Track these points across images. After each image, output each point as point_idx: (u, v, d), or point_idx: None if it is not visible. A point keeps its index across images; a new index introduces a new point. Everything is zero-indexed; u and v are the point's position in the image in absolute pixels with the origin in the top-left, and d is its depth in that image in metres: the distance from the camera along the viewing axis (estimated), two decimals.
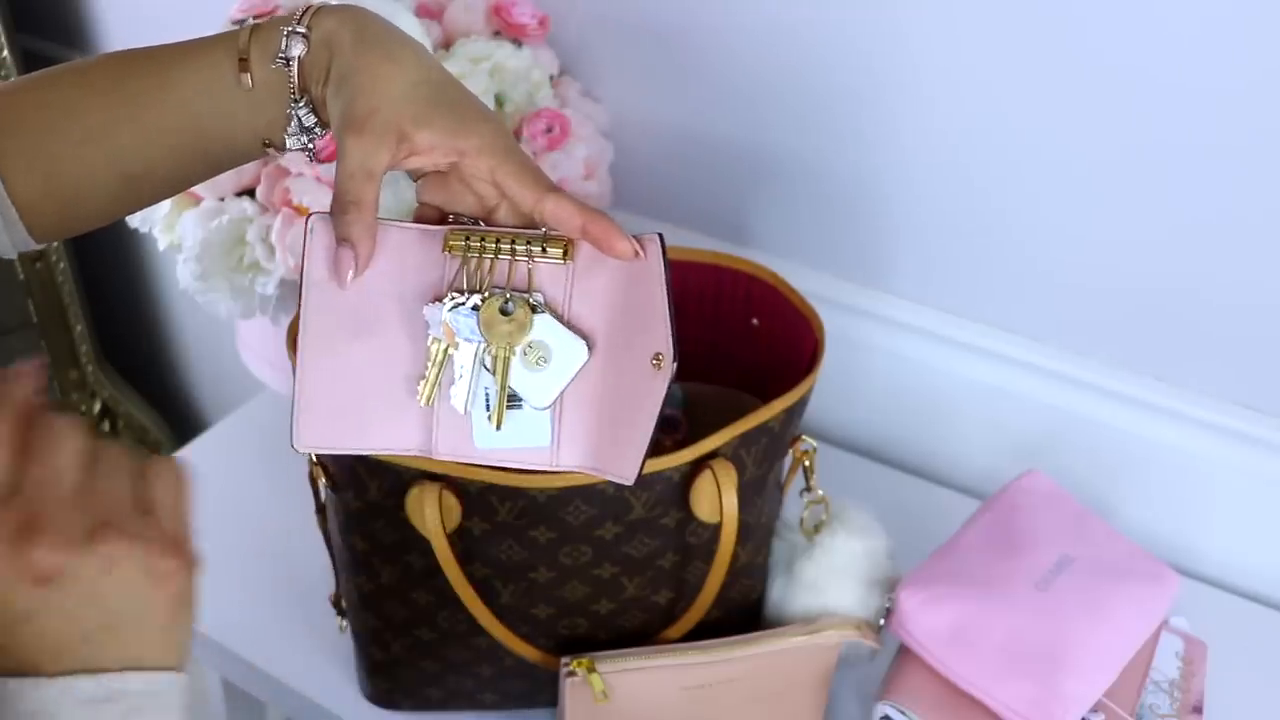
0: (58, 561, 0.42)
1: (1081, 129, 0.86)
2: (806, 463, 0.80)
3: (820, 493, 0.81)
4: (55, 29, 1.48)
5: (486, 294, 0.56)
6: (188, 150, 0.60)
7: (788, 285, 0.83)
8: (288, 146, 0.59)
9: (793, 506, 0.84)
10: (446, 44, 0.96)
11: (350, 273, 0.55)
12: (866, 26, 0.90)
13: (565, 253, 0.56)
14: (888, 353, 1.04)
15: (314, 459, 0.74)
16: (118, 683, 0.43)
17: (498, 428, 0.57)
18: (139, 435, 1.72)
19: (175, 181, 0.63)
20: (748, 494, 0.75)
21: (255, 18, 0.94)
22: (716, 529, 0.74)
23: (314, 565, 0.88)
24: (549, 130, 0.94)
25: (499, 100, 0.94)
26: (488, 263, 0.57)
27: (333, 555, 0.81)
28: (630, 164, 1.06)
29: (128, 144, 0.60)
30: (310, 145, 0.59)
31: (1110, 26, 0.81)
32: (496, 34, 0.98)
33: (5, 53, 1.40)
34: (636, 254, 0.55)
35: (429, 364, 0.57)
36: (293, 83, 0.57)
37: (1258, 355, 0.88)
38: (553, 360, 0.56)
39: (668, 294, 0.54)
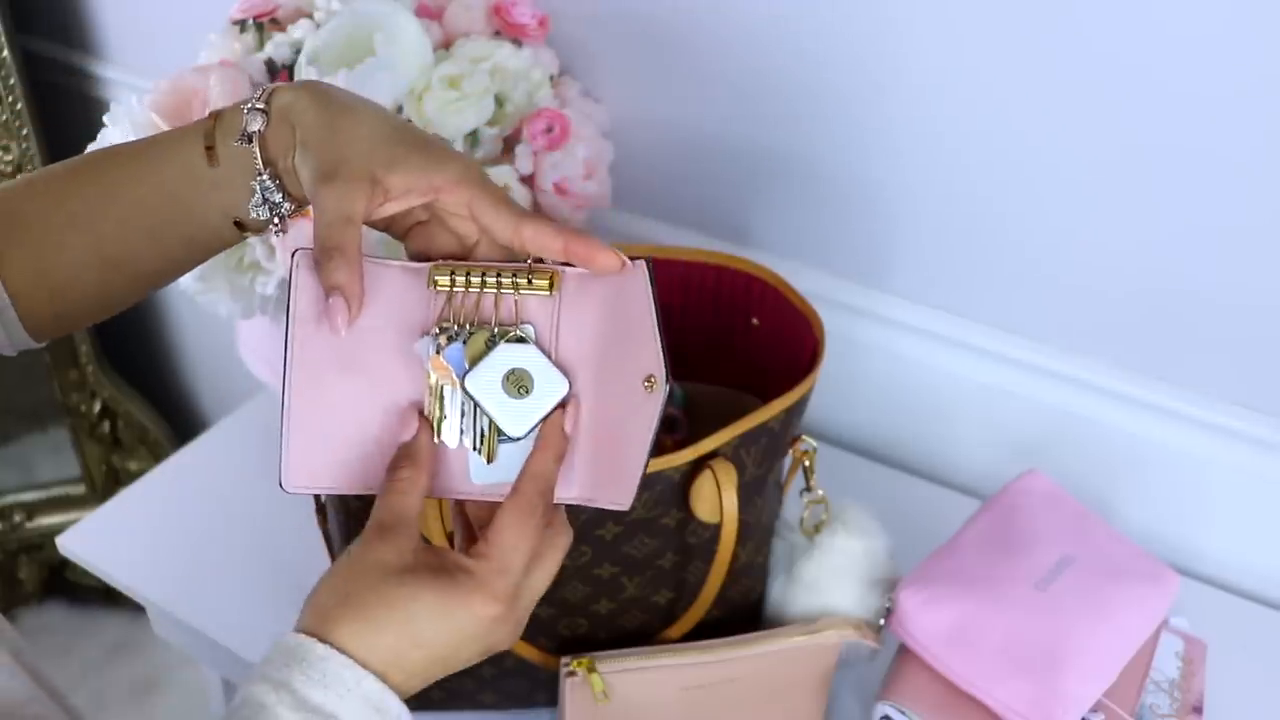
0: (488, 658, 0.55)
1: (1081, 130, 0.86)
2: (806, 463, 0.80)
3: (820, 493, 0.81)
4: (55, 29, 1.48)
5: (473, 329, 0.56)
6: (164, 233, 0.62)
7: (788, 285, 0.83)
8: (250, 217, 0.59)
9: (793, 506, 0.84)
10: (446, 44, 0.96)
11: (343, 319, 0.55)
12: (867, 27, 0.90)
13: (550, 284, 0.56)
14: (887, 353, 1.04)
15: None
16: (392, 702, 0.51)
17: (488, 461, 0.57)
18: (139, 435, 1.73)
19: (157, 269, 0.64)
20: (748, 494, 0.75)
21: (255, 19, 0.94)
22: (716, 529, 0.74)
23: (314, 565, 0.87)
24: (549, 130, 0.94)
25: (499, 100, 0.94)
26: (473, 297, 0.57)
27: (332, 555, 0.81)
28: (630, 164, 1.06)
29: (109, 230, 0.62)
30: (276, 219, 0.59)
31: (1110, 27, 0.81)
32: (496, 34, 0.98)
33: (5, 53, 1.40)
34: (623, 265, 0.55)
35: (432, 400, 0.57)
36: (256, 158, 0.58)
37: (1258, 355, 0.88)
38: (534, 390, 0.56)
39: (656, 315, 0.54)
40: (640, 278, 0.55)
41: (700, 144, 1.04)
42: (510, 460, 0.57)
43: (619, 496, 0.56)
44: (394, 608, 0.52)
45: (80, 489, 1.77)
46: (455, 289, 0.57)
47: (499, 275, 0.56)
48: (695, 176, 1.06)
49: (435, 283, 0.57)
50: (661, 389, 0.53)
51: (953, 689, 0.77)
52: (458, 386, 0.56)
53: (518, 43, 0.97)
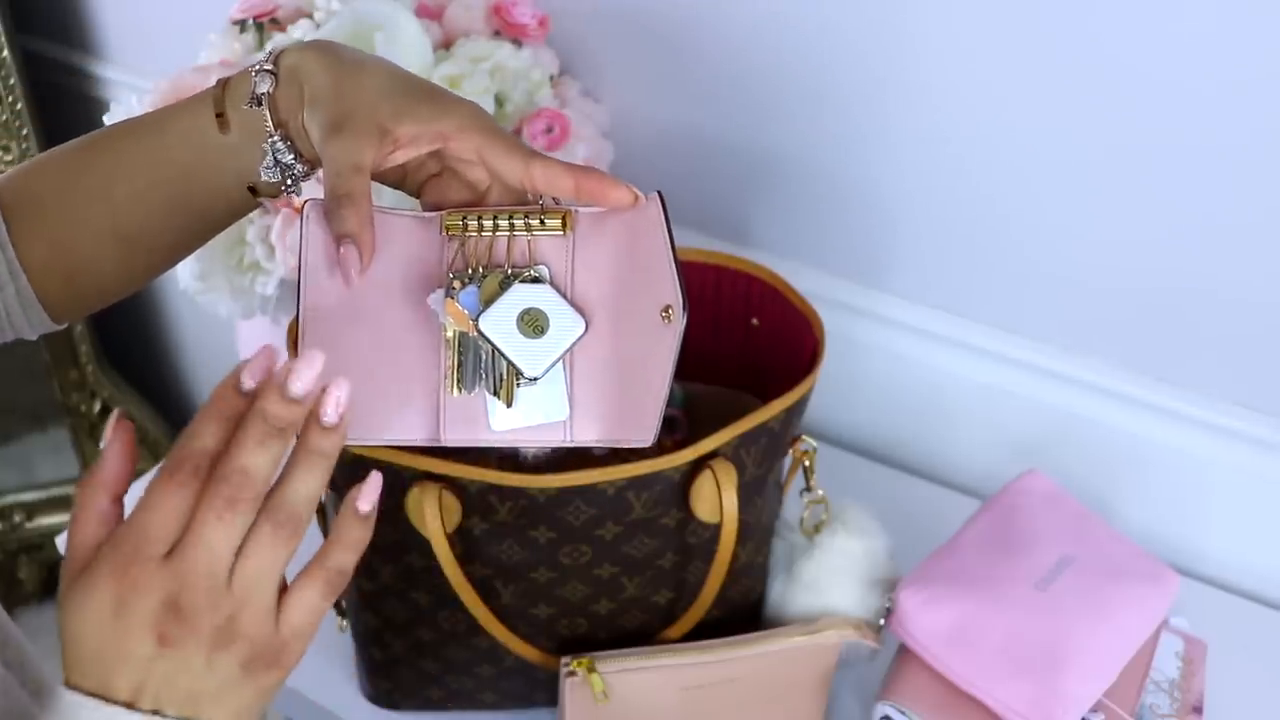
0: (184, 638, 0.45)
1: (1082, 129, 0.86)
2: (806, 463, 0.80)
3: (820, 493, 0.81)
4: (55, 29, 1.48)
5: (487, 272, 0.56)
6: (178, 204, 0.62)
7: (788, 285, 0.83)
8: (262, 178, 0.59)
9: (793, 506, 0.84)
10: (446, 44, 0.96)
11: (355, 268, 0.54)
12: (867, 26, 0.90)
13: (563, 224, 0.56)
14: (887, 352, 1.04)
15: None
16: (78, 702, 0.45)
17: (508, 405, 0.56)
18: (139, 435, 1.72)
19: (174, 241, 0.64)
20: (748, 494, 0.75)
21: (255, 19, 0.94)
22: (716, 529, 0.74)
23: None
24: (549, 130, 0.94)
25: (499, 100, 0.94)
26: (486, 240, 0.56)
27: None
28: (630, 164, 1.06)
29: (123, 203, 0.62)
30: (288, 181, 0.59)
31: (1111, 25, 0.81)
32: (496, 34, 0.98)
33: (5, 53, 1.40)
34: (636, 199, 0.55)
35: (448, 352, 0.56)
36: (267, 119, 0.57)
37: (1258, 355, 0.88)
38: (550, 330, 0.55)
39: (671, 247, 0.54)
40: (654, 210, 0.55)
41: (700, 144, 1.04)
42: (529, 403, 0.56)
43: (640, 433, 0.55)
44: (64, 628, 0.46)
45: None
46: (468, 234, 0.56)
47: (511, 218, 0.56)
48: (695, 176, 1.06)
49: (447, 229, 0.56)
50: (679, 319, 0.53)
51: (953, 689, 0.77)
52: (473, 330, 0.55)
53: (518, 43, 0.97)
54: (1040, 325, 0.97)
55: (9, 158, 1.46)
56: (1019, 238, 0.94)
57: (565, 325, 0.55)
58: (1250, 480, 0.93)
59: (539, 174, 0.55)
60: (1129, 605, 0.79)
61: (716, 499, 0.72)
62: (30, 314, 0.64)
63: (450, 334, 0.56)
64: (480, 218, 0.56)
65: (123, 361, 1.72)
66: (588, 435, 0.56)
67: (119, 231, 0.62)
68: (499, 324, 0.55)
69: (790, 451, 0.79)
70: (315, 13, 0.93)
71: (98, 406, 1.69)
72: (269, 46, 0.92)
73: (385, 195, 0.67)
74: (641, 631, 0.79)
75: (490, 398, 0.56)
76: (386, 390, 0.56)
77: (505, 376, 0.55)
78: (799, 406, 0.76)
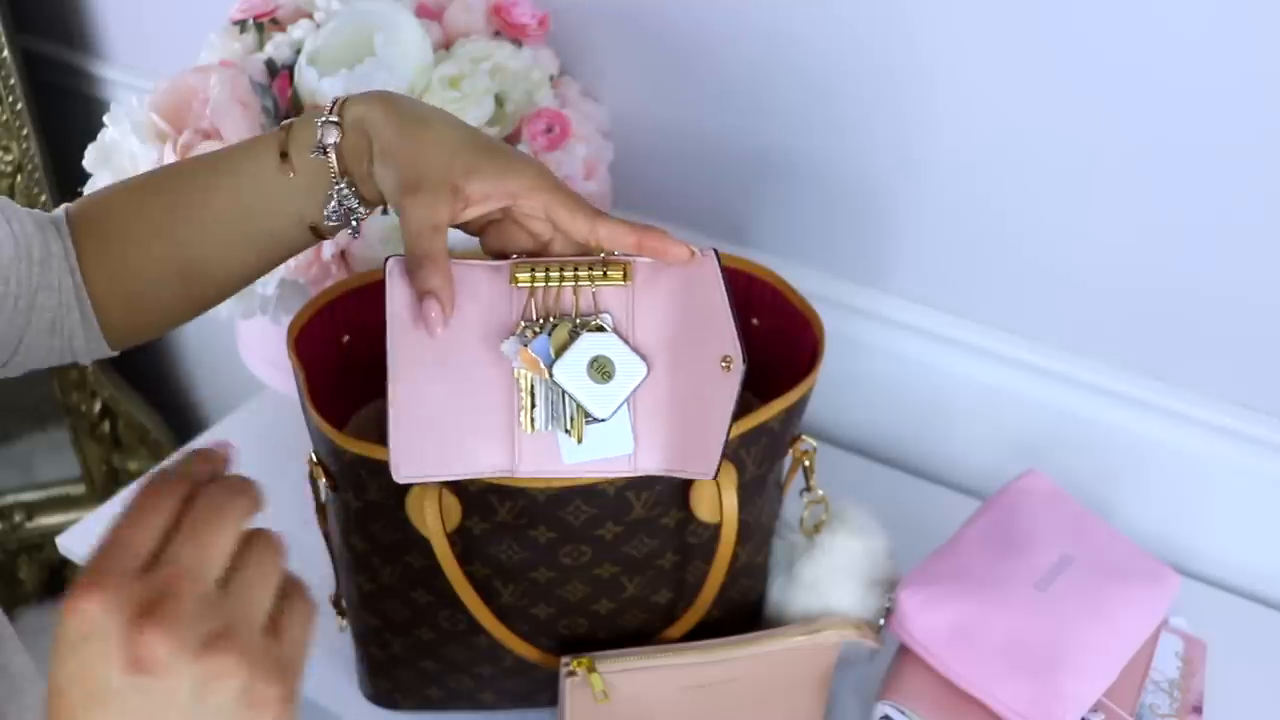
0: (163, 656, 0.38)
1: (1082, 129, 0.86)
2: (806, 463, 0.80)
3: (820, 493, 0.81)
4: (55, 29, 1.48)
5: (556, 321, 0.61)
6: (239, 240, 0.65)
7: (788, 285, 0.83)
8: (325, 221, 0.63)
9: (793, 506, 0.84)
10: (446, 44, 0.96)
11: (438, 318, 0.59)
12: (868, 26, 0.91)
13: (624, 275, 0.62)
14: (888, 353, 1.04)
15: (313, 459, 0.74)
16: None
17: (579, 442, 0.62)
18: (139, 435, 1.73)
19: (231, 276, 0.68)
20: (748, 494, 0.75)
21: (255, 19, 0.94)
22: (716, 529, 0.74)
23: (314, 565, 0.87)
24: (549, 130, 0.94)
25: (499, 100, 0.94)
26: (553, 291, 0.62)
27: (332, 555, 0.81)
28: (630, 164, 1.06)
29: (185, 237, 0.65)
30: (351, 223, 0.63)
31: (1111, 26, 0.81)
32: (496, 34, 0.98)
33: (5, 53, 1.40)
34: (693, 254, 0.61)
35: (522, 394, 0.62)
36: (333, 167, 0.61)
37: (1258, 355, 0.88)
38: (616, 375, 0.61)
39: (729, 300, 0.60)
40: (710, 266, 0.61)
41: (700, 143, 1.04)
42: (598, 439, 0.62)
43: (703, 466, 0.62)
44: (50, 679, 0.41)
45: (80, 489, 1.77)
46: (536, 285, 0.62)
47: (576, 269, 0.62)
48: (695, 176, 1.06)
49: (516, 280, 0.62)
50: (739, 368, 0.59)
51: (953, 689, 0.77)
52: (546, 376, 0.61)
53: (518, 43, 0.97)
54: (1040, 325, 0.97)
55: (9, 158, 1.46)
56: (1019, 238, 0.94)
57: (630, 369, 0.62)
58: (1250, 480, 0.93)
59: (604, 233, 0.61)
60: (1129, 605, 0.79)
61: (716, 499, 0.72)
62: (90, 338, 0.67)
63: (523, 373, 0.62)
64: (548, 269, 0.62)
65: (123, 361, 1.72)
66: (651, 465, 0.63)
67: (182, 267, 0.66)
68: (571, 372, 0.61)
69: (790, 451, 0.79)
70: (315, 13, 0.93)
71: (98, 406, 1.69)
72: (268, 49, 0.92)
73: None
74: (642, 631, 0.79)
75: (562, 435, 0.62)
76: (464, 426, 0.62)
77: (576, 416, 0.62)
78: (799, 406, 0.76)
